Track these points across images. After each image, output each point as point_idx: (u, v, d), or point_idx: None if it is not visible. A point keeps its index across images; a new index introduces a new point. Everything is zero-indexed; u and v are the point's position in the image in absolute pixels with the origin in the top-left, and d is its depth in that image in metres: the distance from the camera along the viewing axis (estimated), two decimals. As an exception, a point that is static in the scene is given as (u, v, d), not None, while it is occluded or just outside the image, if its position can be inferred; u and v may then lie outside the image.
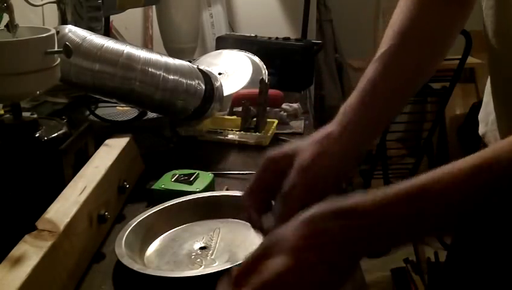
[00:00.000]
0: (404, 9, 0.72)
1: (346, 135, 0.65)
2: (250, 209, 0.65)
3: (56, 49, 0.84)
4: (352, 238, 0.48)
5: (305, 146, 0.64)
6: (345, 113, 0.66)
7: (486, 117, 0.81)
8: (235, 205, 0.85)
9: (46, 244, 0.65)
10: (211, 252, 0.77)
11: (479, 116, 0.85)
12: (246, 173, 1.02)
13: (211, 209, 0.86)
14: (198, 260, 0.75)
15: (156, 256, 0.78)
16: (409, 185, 0.47)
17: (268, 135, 1.16)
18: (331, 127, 0.66)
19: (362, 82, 0.69)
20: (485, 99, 0.81)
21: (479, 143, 0.84)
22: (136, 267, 0.71)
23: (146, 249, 0.79)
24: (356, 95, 0.68)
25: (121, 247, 0.75)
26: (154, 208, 0.85)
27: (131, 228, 0.79)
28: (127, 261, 0.72)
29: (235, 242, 0.79)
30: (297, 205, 0.56)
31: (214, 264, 0.73)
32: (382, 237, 0.49)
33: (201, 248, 0.78)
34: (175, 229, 0.84)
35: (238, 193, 0.88)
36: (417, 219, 0.47)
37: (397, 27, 0.71)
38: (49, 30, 0.85)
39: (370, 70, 0.69)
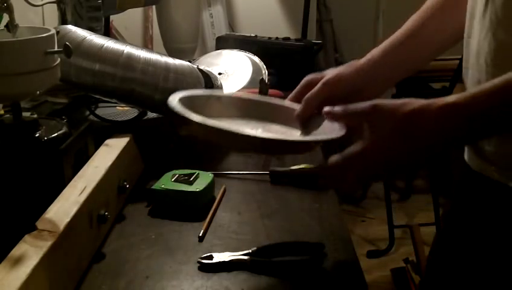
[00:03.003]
0: None
1: (370, 69, 0.82)
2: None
3: (56, 49, 0.84)
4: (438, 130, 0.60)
5: (333, 69, 0.83)
6: (374, 53, 0.83)
7: None
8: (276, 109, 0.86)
9: (46, 244, 0.65)
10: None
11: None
12: (246, 173, 1.02)
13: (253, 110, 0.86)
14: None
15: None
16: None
17: (268, 135, 1.16)
18: (359, 61, 0.83)
19: (399, 31, 0.84)
20: None
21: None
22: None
23: None
24: (390, 40, 0.84)
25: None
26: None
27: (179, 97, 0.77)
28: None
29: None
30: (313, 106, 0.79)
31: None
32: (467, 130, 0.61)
33: None
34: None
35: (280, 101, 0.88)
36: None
37: None
38: (49, 30, 0.85)
39: (409, 23, 0.84)
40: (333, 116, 0.70)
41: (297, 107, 0.83)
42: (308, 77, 0.84)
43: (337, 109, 0.69)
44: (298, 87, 0.85)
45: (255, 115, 0.85)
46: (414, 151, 0.62)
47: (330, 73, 0.83)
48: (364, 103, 0.66)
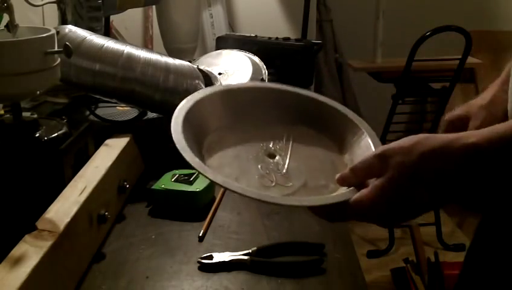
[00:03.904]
0: None
1: (502, 100, 0.78)
2: None
3: (56, 49, 0.84)
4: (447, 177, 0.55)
5: (475, 111, 0.79)
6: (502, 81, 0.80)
7: None
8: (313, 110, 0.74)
9: (46, 244, 0.65)
10: (281, 166, 0.68)
11: None
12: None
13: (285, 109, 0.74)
14: (272, 176, 0.66)
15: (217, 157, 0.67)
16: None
17: (268, 135, 1.16)
18: (493, 91, 0.80)
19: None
20: None
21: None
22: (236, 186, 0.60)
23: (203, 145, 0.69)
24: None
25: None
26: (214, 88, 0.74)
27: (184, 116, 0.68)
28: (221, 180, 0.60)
29: (309, 160, 0.69)
30: None
31: (288, 184, 0.65)
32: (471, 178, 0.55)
33: (270, 156, 0.69)
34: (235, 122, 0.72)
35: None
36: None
37: None
38: (49, 30, 0.85)
39: None
40: (345, 181, 0.63)
41: (336, 105, 0.75)
42: (448, 118, 0.82)
43: (346, 172, 0.63)
44: (445, 129, 0.81)
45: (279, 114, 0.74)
46: (436, 189, 0.55)
47: (475, 120, 0.79)
48: (371, 154, 0.60)
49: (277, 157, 0.69)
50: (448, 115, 0.82)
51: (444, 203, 0.57)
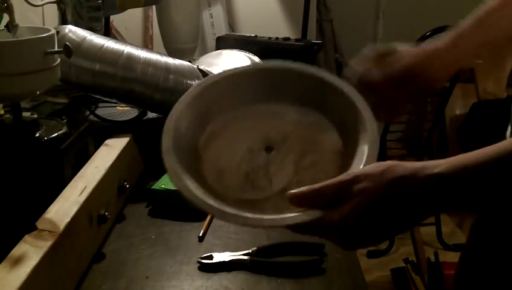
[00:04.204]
0: None
1: (444, 59, 0.80)
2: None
3: (56, 49, 0.84)
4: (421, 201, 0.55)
5: (418, 51, 0.81)
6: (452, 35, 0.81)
7: None
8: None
9: (46, 244, 0.65)
10: (271, 163, 0.65)
11: None
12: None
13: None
14: (254, 175, 0.64)
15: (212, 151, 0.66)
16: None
17: (268, 135, 1.16)
18: (440, 45, 0.81)
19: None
20: None
21: (479, 143, 0.84)
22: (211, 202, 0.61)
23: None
24: (469, 23, 0.81)
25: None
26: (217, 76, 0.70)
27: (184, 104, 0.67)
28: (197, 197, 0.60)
29: (304, 159, 0.65)
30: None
31: (267, 189, 0.63)
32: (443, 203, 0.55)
33: (268, 149, 0.66)
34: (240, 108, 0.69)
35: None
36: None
37: None
38: (49, 30, 0.85)
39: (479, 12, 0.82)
40: (300, 202, 0.58)
41: (354, 96, 0.69)
42: (378, 51, 0.81)
43: (303, 191, 0.58)
44: (368, 56, 0.81)
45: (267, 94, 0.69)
46: (400, 217, 0.56)
47: (408, 57, 0.80)
48: (340, 176, 0.58)
49: (273, 152, 0.66)
50: (387, 47, 0.82)
51: (410, 227, 0.56)
